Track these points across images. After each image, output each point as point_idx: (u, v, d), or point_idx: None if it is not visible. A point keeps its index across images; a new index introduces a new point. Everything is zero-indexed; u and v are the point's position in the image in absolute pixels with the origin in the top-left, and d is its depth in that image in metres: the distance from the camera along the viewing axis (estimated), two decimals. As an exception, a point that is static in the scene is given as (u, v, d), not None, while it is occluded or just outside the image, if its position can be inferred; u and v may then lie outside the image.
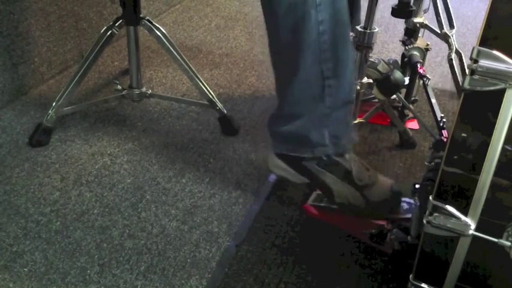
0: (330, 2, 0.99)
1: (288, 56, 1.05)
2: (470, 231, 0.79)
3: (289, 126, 1.11)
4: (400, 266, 1.06)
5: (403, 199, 1.18)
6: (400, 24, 1.76)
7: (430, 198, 0.81)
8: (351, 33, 1.29)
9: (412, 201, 1.14)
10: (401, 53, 1.48)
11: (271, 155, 1.19)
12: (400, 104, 1.51)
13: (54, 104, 1.40)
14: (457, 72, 1.57)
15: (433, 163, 0.96)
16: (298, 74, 1.04)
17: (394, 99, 1.49)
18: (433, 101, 1.34)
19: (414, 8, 1.33)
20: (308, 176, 1.16)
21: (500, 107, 0.70)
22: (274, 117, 1.16)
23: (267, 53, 1.10)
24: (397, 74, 1.30)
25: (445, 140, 1.10)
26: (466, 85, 0.71)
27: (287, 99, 1.11)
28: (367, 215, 1.16)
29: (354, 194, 1.14)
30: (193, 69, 1.46)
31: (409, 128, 1.48)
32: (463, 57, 1.29)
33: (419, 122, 1.53)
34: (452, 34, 1.26)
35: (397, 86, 1.28)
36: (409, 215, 1.11)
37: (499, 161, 0.73)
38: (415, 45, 1.42)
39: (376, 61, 1.39)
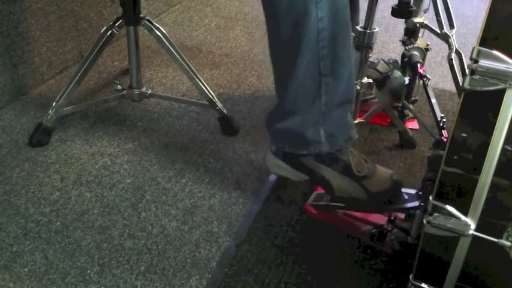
0: None
1: (288, 52, 1.05)
2: (470, 231, 0.79)
3: (286, 122, 1.11)
4: (400, 266, 1.06)
5: (404, 190, 1.18)
6: (400, 24, 1.75)
7: (430, 198, 0.81)
8: (351, 33, 1.29)
9: (412, 191, 1.14)
10: (401, 53, 1.48)
11: (269, 155, 1.19)
12: (400, 104, 1.51)
13: (54, 104, 1.40)
14: (457, 72, 1.57)
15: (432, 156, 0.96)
16: (296, 71, 1.05)
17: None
18: (433, 101, 1.34)
19: (414, 8, 1.33)
20: (306, 172, 1.16)
21: (500, 107, 0.70)
22: (273, 113, 1.17)
23: (267, 53, 1.10)
24: (397, 74, 1.30)
25: (445, 140, 1.10)
26: (466, 85, 0.71)
27: (285, 95, 1.11)
28: (369, 207, 1.16)
29: (353, 186, 1.14)
30: (193, 69, 1.46)
31: (409, 128, 1.48)
32: (463, 57, 1.28)
33: (419, 122, 1.53)
34: (452, 34, 1.26)
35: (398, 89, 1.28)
36: (409, 205, 1.11)
37: (499, 161, 0.73)
38: (415, 45, 1.42)
39: (376, 61, 1.39)
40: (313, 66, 1.03)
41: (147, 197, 1.24)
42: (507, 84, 0.69)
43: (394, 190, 1.16)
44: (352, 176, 1.13)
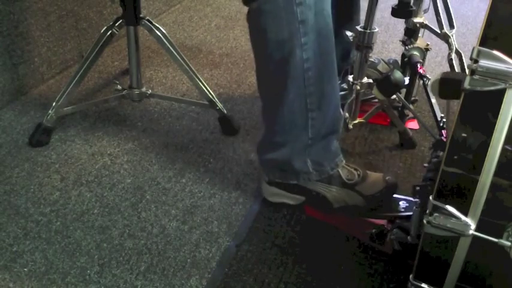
0: (315, 41, 1.02)
1: (275, 87, 1.08)
2: (470, 231, 0.79)
3: (274, 154, 1.15)
4: (400, 266, 1.06)
5: (402, 197, 1.19)
6: (400, 24, 1.75)
7: (430, 198, 0.81)
8: (351, 33, 1.29)
9: (410, 199, 1.15)
10: (401, 53, 1.48)
11: (264, 185, 1.22)
12: (400, 104, 1.51)
13: (54, 104, 1.40)
14: (457, 72, 1.57)
15: (431, 164, 0.96)
16: (283, 105, 1.08)
17: (394, 99, 1.49)
18: (433, 101, 1.34)
19: (414, 8, 1.32)
20: (302, 193, 1.19)
21: (500, 107, 0.70)
22: (262, 143, 1.20)
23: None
24: (397, 74, 1.30)
25: (445, 140, 1.10)
26: (466, 85, 0.71)
27: (272, 127, 1.15)
28: (369, 211, 1.18)
29: (348, 194, 1.17)
30: (193, 69, 1.46)
31: (409, 128, 1.48)
32: (463, 57, 1.28)
33: (419, 122, 1.53)
34: (452, 34, 1.26)
35: (397, 86, 1.28)
36: (408, 213, 1.11)
37: (499, 161, 0.73)
38: (415, 45, 1.42)
39: (376, 61, 1.39)
40: (300, 102, 1.07)
41: (147, 197, 1.24)
42: (507, 84, 0.69)
43: (388, 190, 1.18)
44: (344, 185, 1.17)
